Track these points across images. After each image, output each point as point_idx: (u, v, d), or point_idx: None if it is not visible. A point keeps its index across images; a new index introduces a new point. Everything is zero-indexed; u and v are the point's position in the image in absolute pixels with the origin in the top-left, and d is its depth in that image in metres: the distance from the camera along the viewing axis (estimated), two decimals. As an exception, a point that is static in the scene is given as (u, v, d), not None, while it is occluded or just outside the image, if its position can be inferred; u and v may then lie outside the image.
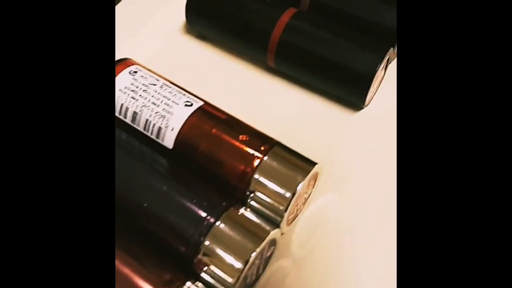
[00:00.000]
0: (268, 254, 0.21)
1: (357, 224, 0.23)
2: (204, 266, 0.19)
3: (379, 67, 0.26)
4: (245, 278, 0.19)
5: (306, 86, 0.28)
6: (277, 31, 0.27)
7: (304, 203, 0.23)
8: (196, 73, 0.29)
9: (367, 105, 0.28)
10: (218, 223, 0.19)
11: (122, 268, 0.18)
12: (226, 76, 0.29)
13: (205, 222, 0.19)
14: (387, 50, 0.26)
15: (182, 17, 0.30)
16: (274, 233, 0.20)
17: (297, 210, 0.22)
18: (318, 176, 0.23)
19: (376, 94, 0.28)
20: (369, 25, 0.28)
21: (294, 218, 0.23)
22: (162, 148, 0.22)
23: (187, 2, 0.29)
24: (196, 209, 0.20)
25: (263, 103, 0.28)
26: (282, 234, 0.21)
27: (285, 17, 0.27)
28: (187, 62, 0.30)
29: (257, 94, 0.28)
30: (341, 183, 0.25)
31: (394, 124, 0.27)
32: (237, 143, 0.22)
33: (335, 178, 0.25)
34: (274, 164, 0.21)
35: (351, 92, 0.27)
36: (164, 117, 0.22)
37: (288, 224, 0.22)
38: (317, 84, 0.28)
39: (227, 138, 0.22)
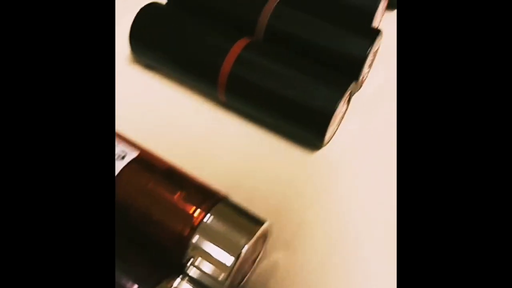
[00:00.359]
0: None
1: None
2: None
3: (340, 103, 0.24)
4: None
5: (260, 123, 0.26)
6: (227, 64, 0.25)
7: (254, 262, 0.21)
8: (142, 107, 0.27)
9: (327, 143, 0.25)
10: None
11: None
12: (174, 110, 0.27)
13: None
14: (349, 85, 0.24)
15: (127, 47, 0.28)
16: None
17: (244, 272, 0.20)
18: (269, 233, 0.20)
19: (337, 131, 0.26)
20: (331, 55, 0.26)
21: (243, 280, 0.20)
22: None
23: (130, 29, 0.27)
24: (124, 284, 0.17)
25: (213, 142, 0.26)
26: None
27: (237, 48, 0.25)
28: (132, 94, 0.28)
29: (207, 131, 0.26)
30: (295, 237, 0.22)
31: (357, 165, 0.25)
32: (175, 200, 0.19)
33: (289, 232, 0.22)
34: (216, 224, 0.19)
35: (308, 131, 0.25)
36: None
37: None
38: (272, 122, 0.26)
39: (164, 194, 0.20)
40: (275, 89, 0.24)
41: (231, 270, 0.18)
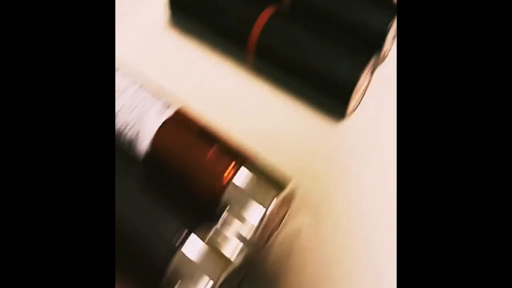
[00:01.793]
0: (241, 275, 0.21)
1: (336, 256, 0.23)
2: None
3: (362, 74, 0.25)
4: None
5: (288, 91, 0.27)
6: (255, 34, 0.26)
7: (279, 224, 0.22)
8: (175, 72, 0.28)
9: (351, 114, 0.27)
10: (183, 246, 0.19)
11: None
12: (206, 76, 0.28)
13: (171, 246, 0.19)
14: (371, 56, 0.25)
15: (165, 12, 0.29)
16: (241, 257, 0.19)
17: (271, 232, 0.22)
18: (294, 194, 0.22)
19: (361, 102, 0.27)
20: (355, 27, 0.27)
21: (269, 240, 0.22)
22: (133, 160, 0.21)
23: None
24: (163, 228, 0.19)
25: (240, 107, 0.27)
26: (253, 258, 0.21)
27: (263, 17, 0.26)
28: (168, 59, 0.29)
29: (237, 97, 0.27)
30: (319, 204, 0.24)
31: (380, 135, 0.26)
32: (209, 157, 0.21)
33: (312, 199, 0.24)
34: (247, 179, 0.20)
35: (332, 101, 0.26)
36: (135, 127, 0.21)
37: (262, 246, 0.21)
38: (298, 91, 0.27)
39: (199, 151, 0.21)
40: (300, 57, 0.25)
41: (261, 221, 0.20)
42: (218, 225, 0.20)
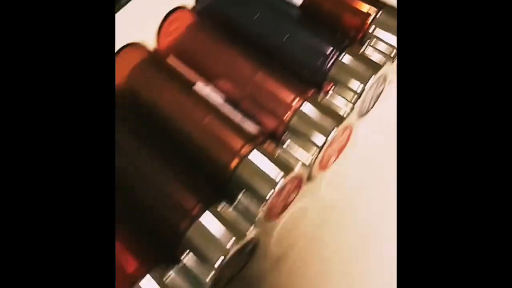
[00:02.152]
0: (380, 89, 0.26)
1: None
2: (331, 88, 0.24)
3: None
4: (363, 102, 0.24)
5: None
6: None
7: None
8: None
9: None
10: (341, 57, 0.24)
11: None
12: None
13: (331, 56, 0.24)
14: None
15: None
16: (385, 69, 0.24)
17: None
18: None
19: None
20: None
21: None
22: (291, 5, 0.27)
23: None
24: (322, 45, 0.25)
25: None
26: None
27: None
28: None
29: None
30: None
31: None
32: (355, 3, 0.26)
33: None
34: (389, 17, 0.26)
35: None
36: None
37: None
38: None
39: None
40: None
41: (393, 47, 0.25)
42: (363, 49, 0.25)
